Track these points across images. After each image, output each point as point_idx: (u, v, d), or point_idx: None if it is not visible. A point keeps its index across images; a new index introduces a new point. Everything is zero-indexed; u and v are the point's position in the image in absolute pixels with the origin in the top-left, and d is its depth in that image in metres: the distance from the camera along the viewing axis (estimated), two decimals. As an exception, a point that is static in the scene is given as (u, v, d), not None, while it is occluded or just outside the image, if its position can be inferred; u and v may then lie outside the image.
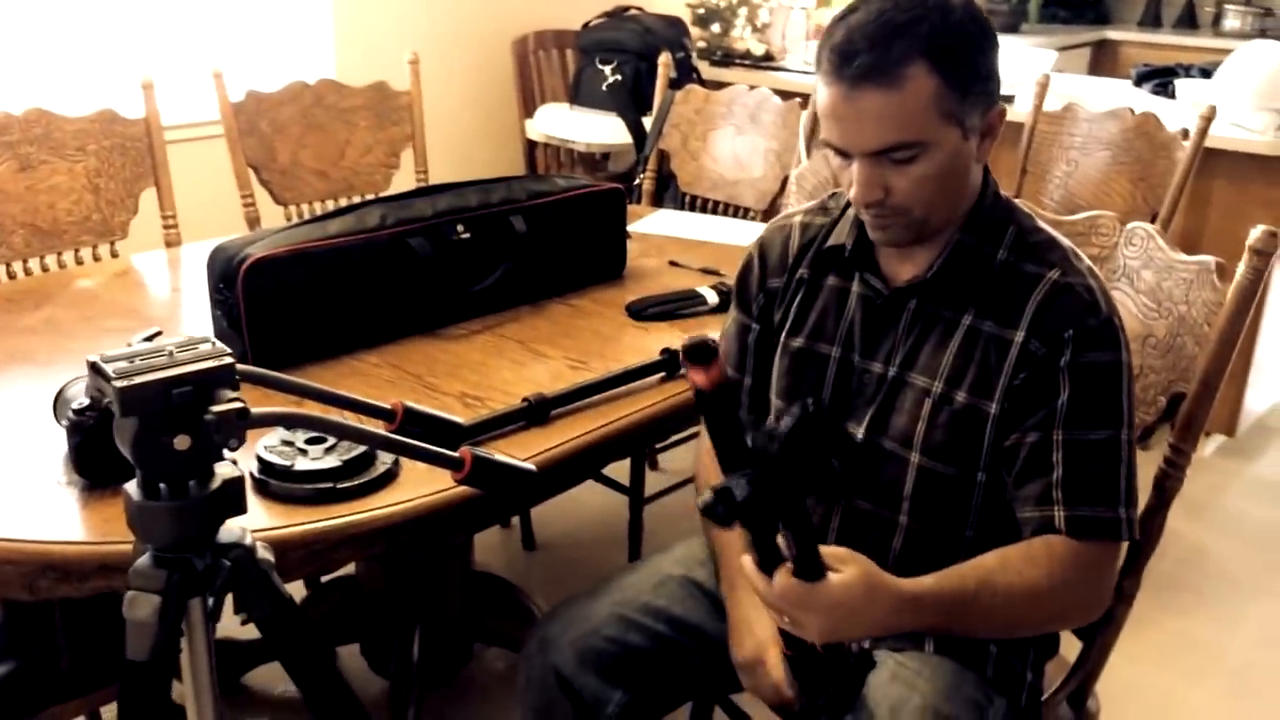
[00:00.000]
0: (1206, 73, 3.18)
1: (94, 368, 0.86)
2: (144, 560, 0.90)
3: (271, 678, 2.16)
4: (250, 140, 2.43)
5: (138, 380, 0.83)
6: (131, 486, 0.90)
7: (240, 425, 0.85)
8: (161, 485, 0.89)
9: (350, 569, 2.14)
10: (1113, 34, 5.17)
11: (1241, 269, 1.32)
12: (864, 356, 1.29)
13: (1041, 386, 1.19)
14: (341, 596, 2.18)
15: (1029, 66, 3.12)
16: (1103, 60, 5.09)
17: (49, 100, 2.16)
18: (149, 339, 0.90)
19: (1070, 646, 1.45)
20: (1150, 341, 1.45)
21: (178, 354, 0.87)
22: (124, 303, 1.94)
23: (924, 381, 1.25)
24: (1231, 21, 5.05)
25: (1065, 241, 1.27)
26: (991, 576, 1.18)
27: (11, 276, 2.08)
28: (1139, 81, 3.42)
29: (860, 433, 1.28)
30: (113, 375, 0.84)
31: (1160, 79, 3.32)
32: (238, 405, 0.85)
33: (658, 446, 2.80)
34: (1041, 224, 1.29)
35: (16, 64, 2.79)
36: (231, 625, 1.03)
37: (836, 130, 1.17)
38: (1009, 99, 2.94)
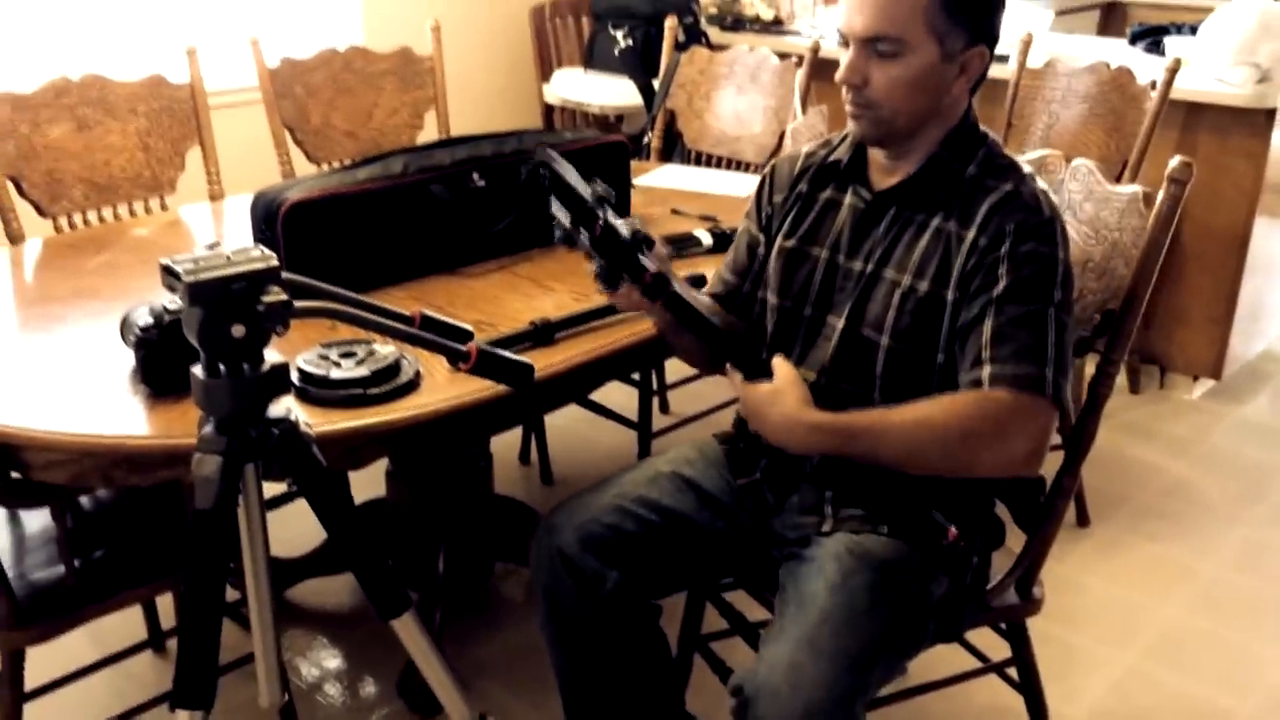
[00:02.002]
0: (1196, 31, 3.29)
1: (166, 269, 1.06)
2: (208, 429, 1.10)
3: (311, 592, 2.37)
4: (285, 103, 2.62)
5: (204, 276, 1.03)
6: (197, 368, 1.09)
7: (285, 314, 1.04)
8: (221, 366, 1.08)
9: (381, 492, 2.35)
10: (1122, -4, 5.27)
11: (1161, 196, 1.48)
12: (848, 257, 1.49)
13: (985, 273, 1.37)
14: (373, 517, 2.39)
15: (1027, 26, 3.25)
16: (1112, 22, 5.19)
17: (103, 66, 2.36)
18: (210, 247, 1.09)
19: (1017, 541, 1.63)
20: (1089, 265, 1.62)
21: (234, 258, 1.06)
22: (176, 248, 2.14)
23: (894, 275, 1.44)
24: (1240, -18, 5.12)
25: (1027, 167, 1.45)
26: (905, 411, 1.36)
27: (72, 227, 2.29)
28: (1134, 40, 3.54)
29: (841, 323, 1.48)
30: (182, 273, 1.03)
31: (1154, 37, 3.44)
32: (283, 297, 1.04)
33: (668, 384, 2.98)
34: (1009, 153, 1.47)
35: (74, 32, 2.99)
36: (277, 546, 1.22)
37: (845, 15, 1.39)
38: (1003, 59, 3.07)
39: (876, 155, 1.49)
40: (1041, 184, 1.42)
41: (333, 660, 2.22)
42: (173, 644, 2.19)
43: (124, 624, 2.00)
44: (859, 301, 1.47)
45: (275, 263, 1.07)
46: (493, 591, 2.42)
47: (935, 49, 1.36)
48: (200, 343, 1.06)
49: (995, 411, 1.34)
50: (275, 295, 1.04)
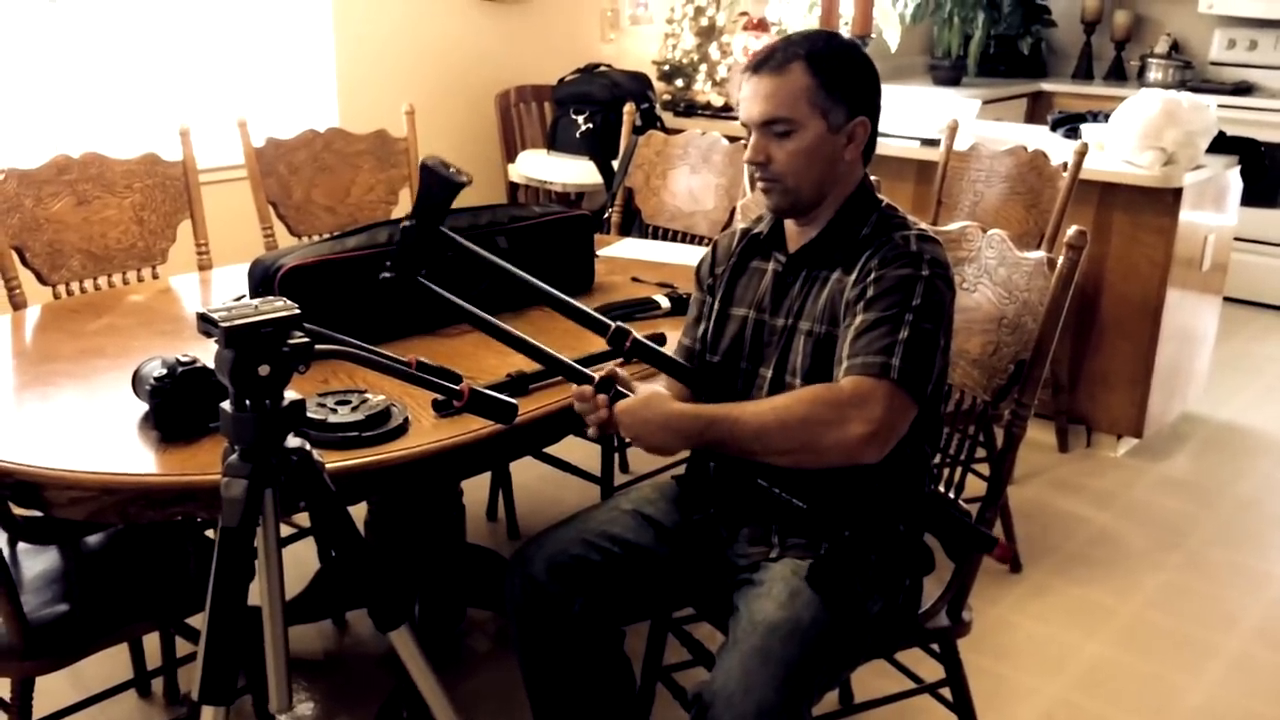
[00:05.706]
0: (1109, 118, 3.59)
1: (203, 317, 1.22)
2: (234, 457, 1.26)
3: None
4: (269, 180, 2.80)
5: (238, 322, 1.20)
6: (225, 404, 1.25)
7: (308, 354, 1.21)
8: (247, 402, 1.25)
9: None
10: (1047, 86, 5.64)
11: (1060, 260, 1.70)
12: (772, 315, 1.70)
13: (855, 302, 1.58)
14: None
15: (957, 114, 3.53)
16: (1039, 110, 5.54)
17: (102, 144, 2.54)
18: (237, 299, 1.26)
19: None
20: (1004, 322, 1.83)
21: (261, 307, 1.24)
22: (170, 312, 2.31)
23: (806, 325, 1.65)
24: (1155, 74, 5.52)
25: (916, 223, 1.66)
26: (762, 402, 1.58)
27: (69, 294, 2.44)
28: (1054, 127, 3.85)
29: (769, 373, 1.68)
30: (219, 319, 1.20)
31: (1072, 124, 3.75)
32: (306, 340, 1.21)
33: (628, 443, 3.14)
34: (904, 215, 1.69)
35: (76, 112, 3.17)
36: (255, 597, 1.35)
37: (743, 108, 1.64)
38: (933, 143, 3.34)
39: (790, 225, 1.71)
40: (924, 234, 1.63)
41: (308, 706, 2.34)
42: (157, 685, 2.30)
43: (111, 666, 2.11)
44: (783, 353, 1.68)
45: (298, 311, 1.24)
46: (465, 635, 2.55)
47: (821, 123, 1.60)
48: (231, 380, 1.23)
49: (834, 396, 1.52)
50: (299, 338, 1.21)
